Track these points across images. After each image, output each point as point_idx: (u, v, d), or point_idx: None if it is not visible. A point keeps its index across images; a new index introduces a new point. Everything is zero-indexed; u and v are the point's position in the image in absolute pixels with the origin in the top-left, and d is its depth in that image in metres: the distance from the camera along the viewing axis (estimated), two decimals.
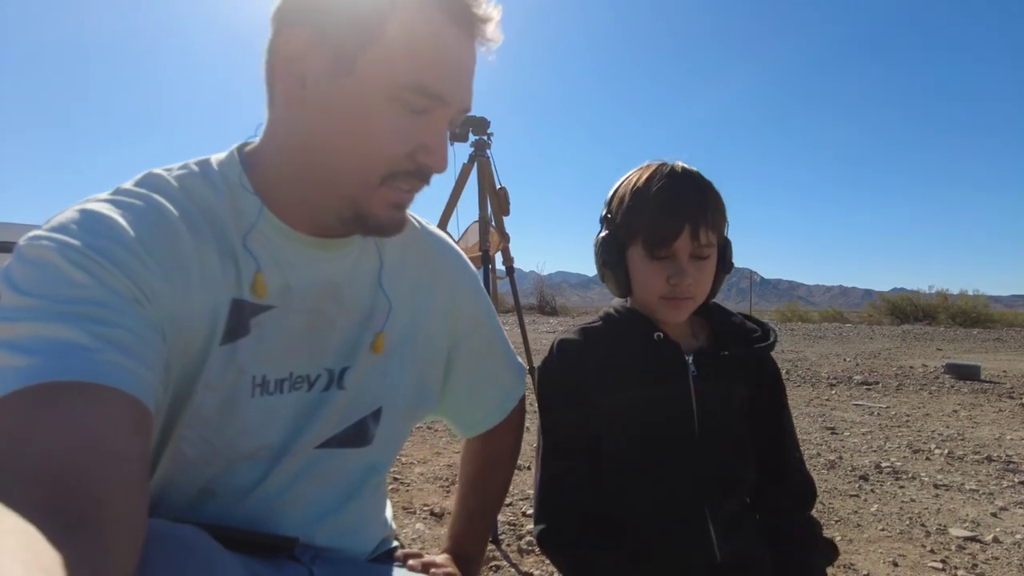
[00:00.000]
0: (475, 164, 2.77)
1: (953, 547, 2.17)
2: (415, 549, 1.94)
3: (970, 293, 16.87)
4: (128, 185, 0.62)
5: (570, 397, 0.99)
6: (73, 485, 0.41)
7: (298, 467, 0.70)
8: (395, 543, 0.90)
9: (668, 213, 0.94)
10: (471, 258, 3.12)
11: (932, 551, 2.13)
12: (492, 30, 0.64)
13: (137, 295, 0.54)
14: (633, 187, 0.98)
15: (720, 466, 0.97)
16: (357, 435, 0.73)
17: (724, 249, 1.02)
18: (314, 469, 0.71)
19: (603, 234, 1.03)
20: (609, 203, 1.04)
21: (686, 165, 0.99)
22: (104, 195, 0.60)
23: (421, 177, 0.66)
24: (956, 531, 2.30)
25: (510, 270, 2.98)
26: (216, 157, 0.68)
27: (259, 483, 0.67)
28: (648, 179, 0.97)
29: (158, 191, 0.61)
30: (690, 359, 1.00)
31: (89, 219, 0.55)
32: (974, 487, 2.81)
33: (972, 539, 2.22)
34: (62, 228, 0.54)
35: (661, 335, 1.01)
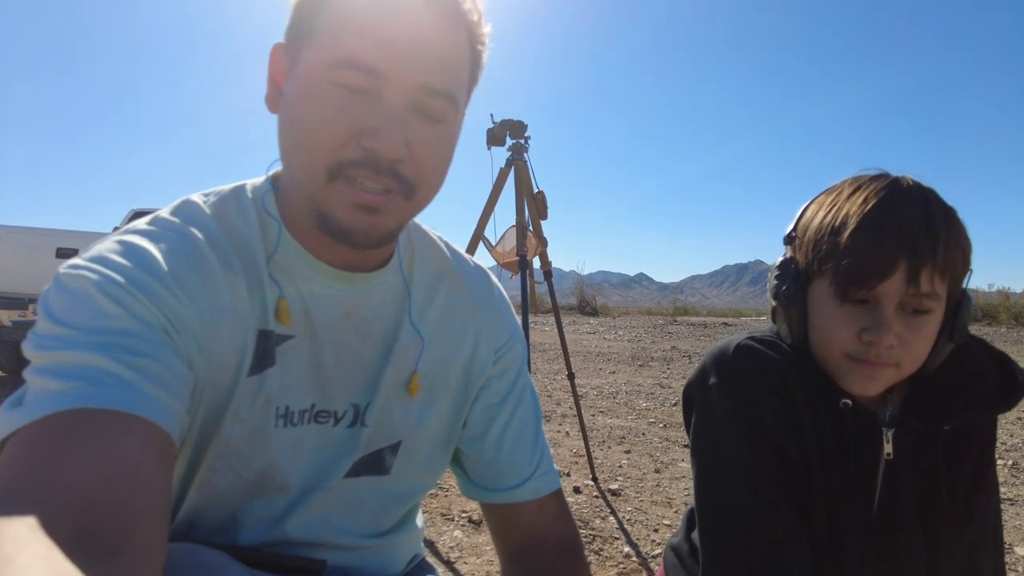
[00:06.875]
0: (512, 168, 2.76)
1: (1020, 568, 2.04)
2: (452, 556, 1.93)
3: None
4: (165, 214, 0.64)
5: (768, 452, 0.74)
6: (102, 516, 0.42)
7: (326, 499, 0.70)
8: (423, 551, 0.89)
9: (878, 239, 0.69)
10: (508, 263, 3.11)
11: None
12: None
13: (166, 325, 0.55)
14: (834, 200, 0.76)
15: None
16: (373, 463, 0.72)
17: (959, 307, 0.74)
18: (340, 500, 0.71)
19: (784, 257, 0.80)
20: (799, 218, 0.80)
21: (919, 181, 0.75)
22: (143, 223, 0.62)
23: (377, 168, 0.57)
24: (1023, 550, 2.17)
25: (548, 275, 2.96)
26: (252, 182, 0.69)
27: (288, 515, 0.68)
28: (858, 190, 0.74)
29: (193, 221, 0.63)
30: (887, 436, 0.75)
31: (125, 251, 0.57)
32: None
33: None
34: (99, 259, 0.56)
35: (848, 403, 0.74)
